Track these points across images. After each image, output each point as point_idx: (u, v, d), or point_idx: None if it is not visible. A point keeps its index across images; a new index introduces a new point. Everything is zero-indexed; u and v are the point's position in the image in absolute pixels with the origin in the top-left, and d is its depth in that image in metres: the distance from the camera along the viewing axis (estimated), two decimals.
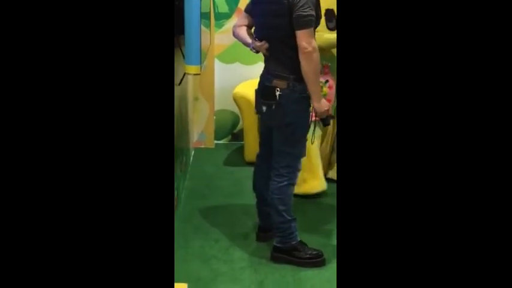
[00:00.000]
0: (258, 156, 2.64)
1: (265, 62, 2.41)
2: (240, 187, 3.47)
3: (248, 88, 3.89)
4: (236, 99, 3.86)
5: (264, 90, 2.36)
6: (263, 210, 2.59)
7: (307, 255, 2.44)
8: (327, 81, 3.12)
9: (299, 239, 2.47)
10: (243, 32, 2.43)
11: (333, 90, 3.13)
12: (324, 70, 3.05)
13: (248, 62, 4.31)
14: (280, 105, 2.27)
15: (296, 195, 3.15)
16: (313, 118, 2.36)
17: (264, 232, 2.65)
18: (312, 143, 2.84)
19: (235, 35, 2.48)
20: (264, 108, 2.35)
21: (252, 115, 3.75)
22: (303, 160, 3.12)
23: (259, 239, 2.67)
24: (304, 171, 3.19)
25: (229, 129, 4.53)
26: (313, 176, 3.24)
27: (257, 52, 2.41)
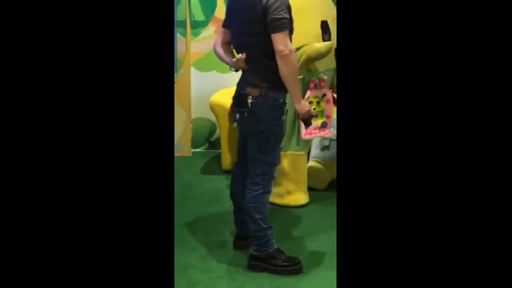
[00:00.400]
0: (235, 164, 2.64)
1: (242, 70, 2.41)
2: (217, 195, 3.46)
3: (225, 96, 3.89)
4: (213, 107, 3.86)
5: (237, 98, 2.37)
6: (240, 218, 2.59)
7: (284, 263, 2.44)
8: (324, 95, 3.04)
9: (276, 247, 2.47)
10: (222, 50, 2.46)
11: (331, 104, 3.06)
12: (320, 84, 3.02)
13: (225, 71, 4.29)
14: (253, 112, 2.28)
15: (279, 206, 3.17)
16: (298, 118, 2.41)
17: (241, 240, 2.64)
18: (297, 145, 2.85)
19: (216, 53, 2.50)
20: (238, 115, 2.35)
21: (229, 123, 3.76)
22: (290, 172, 3.14)
23: (236, 247, 2.66)
24: (290, 183, 3.20)
25: (206, 138, 4.52)
26: (298, 189, 3.25)
27: (237, 70, 2.43)
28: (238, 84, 2.41)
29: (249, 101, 2.26)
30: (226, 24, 2.45)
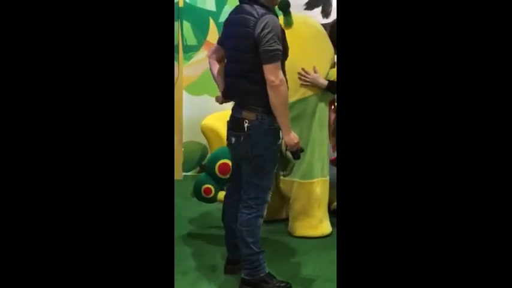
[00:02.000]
0: (228, 188, 2.63)
1: (234, 95, 2.43)
2: (208, 219, 3.44)
3: (216, 120, 3.90)
4: (204, 131, 3.86)
5: (233, 122, 2.37)
6: (232, 242, 2.57)
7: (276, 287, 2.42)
8: None
9: (267, 271, 2.45)
10: (217, 76, 2.49)
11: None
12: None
13: (216, 94, 4.33)
14: (249, 136, 2.28)
15: (313, 238, 3.10)
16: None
17: (232, 265, 2.62)
18: (284, 176, 2.77)
19: (211, 69, 2.52)
20: (233, 139, 2.36)
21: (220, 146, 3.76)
22: (320, 199, 3.09)
23: (227, 271, 2.64)
24: (320, 211, 3.13)
25: (198, 161, 4.51)
26: (325, 216, 3.18)
27: (221, 103, 2.52)
28: (234, 109, 2.43)
29: (245, 125, 2.27)
30: (221, 42, 2.47)
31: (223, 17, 4.26)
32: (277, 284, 2.44)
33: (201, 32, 4.31)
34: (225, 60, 2.47)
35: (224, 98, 2.48)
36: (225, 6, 4.29)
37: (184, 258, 2.81)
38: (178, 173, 4.36)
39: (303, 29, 3.05)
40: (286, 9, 2.99)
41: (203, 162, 4.49)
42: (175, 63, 4.23)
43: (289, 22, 3.03)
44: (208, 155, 3.48)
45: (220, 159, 3.04)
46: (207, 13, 4.30)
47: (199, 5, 4.29)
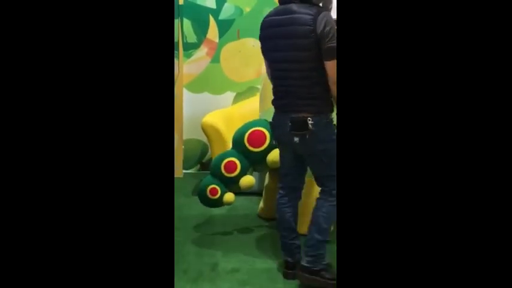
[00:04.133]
0: (282, 188, 2.61)
1: (283, 97, 2.42)
2: (209, 217, 3.44)
3: (217, 117, 3.90)
4: (205, 129, 3.87)
5: (294, 123, 2.36)
6: (292, 244, 2.56)
7: (334, 278, 2.42)
8: None
9: (328, 261, 2.47)
10: None
11: None
12: None
13: (216, 92, 4.33)
14: (315, 133, 2.32)
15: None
16: None
17: (292, 269, 2.58)
18: None
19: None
20: (297, 139, 2.36)
21: (220, 144, 3.75)
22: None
23: (289, 277, 2.58)
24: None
25: (198, 159, 4.52)
26: None
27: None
28: (287, 111, 2.40)
29: (310, 122, 2.30)
30: (263, 53, 2.50)
31: (223, 14, 4.27)
32: (335, 275, 2.43)
33: (201, 29, 4.31)
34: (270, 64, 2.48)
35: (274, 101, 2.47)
36: (225, 4, 4.28)
37: (184, 257, 2.81)
38: (179, 171, 4.36)
39: None
40: None
41: (203, 160, 4.49)
42: (176, 60, 4.22)
43: None
44: (212, 158, 3.45)
45: (225, 159, 3.04)
46: (207, 10, 4.29)
47: (199, 2, 4.28)
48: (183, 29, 4.27)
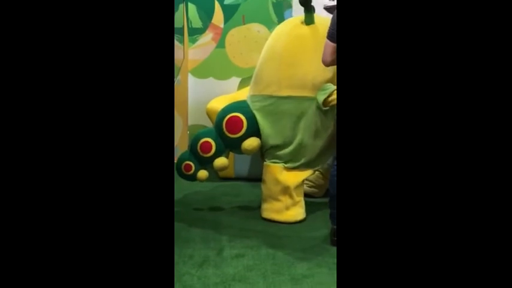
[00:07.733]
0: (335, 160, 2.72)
1: None
2: (214, 202, 3.45)
3: (222, 103, 3.89)
4: (210, 114, 3.86)
5: None
6: None
7: None
8: None
9: None
10: None
11: None
12: None
13: (222, 77, 4.32)
14: None
15: (276, 222, 3.12)
16: None
17: None
18: None
19: None
20: None
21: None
22: (286, 188, 3.10)
23: (335, 244, 2.63)
24: (288, 199, 3.12)
25: None
26: (295, 204, 3.16)
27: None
28: None
29: None
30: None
31: None
32: None
33: (206, 14, 4.28)
34: None
35: None
36: None
37: (190, 242, 2.82)
38: None
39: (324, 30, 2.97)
40: (307, 4, 2.94)
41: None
42: (180, 45, 4.21)
43: (311, 20, 2.99)
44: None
45: (202, 138, 3.15)
46: None
47: None
48: (188, 14, 4.24)
